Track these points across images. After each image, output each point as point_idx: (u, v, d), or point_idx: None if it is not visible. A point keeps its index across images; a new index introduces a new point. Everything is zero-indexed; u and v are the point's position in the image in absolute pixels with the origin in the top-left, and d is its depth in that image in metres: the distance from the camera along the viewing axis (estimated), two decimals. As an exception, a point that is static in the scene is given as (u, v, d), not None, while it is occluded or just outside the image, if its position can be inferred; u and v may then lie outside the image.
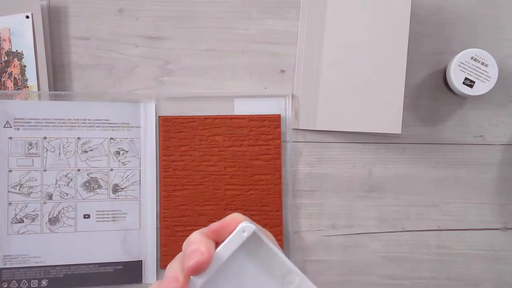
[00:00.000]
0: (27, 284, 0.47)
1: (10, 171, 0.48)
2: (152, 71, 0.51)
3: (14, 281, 0.47)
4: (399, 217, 0.52)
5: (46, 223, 0.48)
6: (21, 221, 0.48)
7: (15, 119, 0.48)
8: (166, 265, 0.47)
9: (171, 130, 0.50)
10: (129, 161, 0.49)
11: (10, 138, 0.48)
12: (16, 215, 0.48)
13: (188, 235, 0.48)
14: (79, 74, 0.51)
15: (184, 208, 0.50)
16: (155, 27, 0.51)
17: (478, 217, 0.52)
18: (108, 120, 0.49)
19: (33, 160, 0.48)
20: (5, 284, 0.47)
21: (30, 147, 0.48)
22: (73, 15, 0.51)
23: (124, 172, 0.49)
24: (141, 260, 0.49)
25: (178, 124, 0.50)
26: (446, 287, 0.51)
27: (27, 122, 0.48)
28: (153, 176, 0.50)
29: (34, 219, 0.48)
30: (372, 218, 0.51)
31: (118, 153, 0.49)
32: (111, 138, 0.49)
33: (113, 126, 0.49)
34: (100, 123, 0.49)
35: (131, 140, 0.49)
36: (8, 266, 0.47)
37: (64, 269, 0.48)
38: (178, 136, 0.50)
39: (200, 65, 0.51)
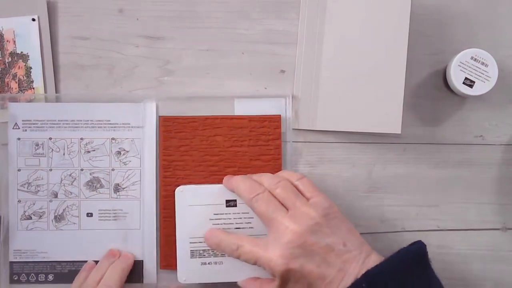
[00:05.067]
0: (35, 278, 0.55)
1: (19, 170, 0.55)
2: (152, 71, 0.57)
3: (23, 274, 0.55)
4: (399, 217, 0.57)
5: (52, 221, 0.55)
6: (30, 217, 0.55)
7: (23, 120, 0.55)
8: (166, 265, 0.54)
9: (172, 130, 0.55)
10: (130, 161, 0.56)
11: (19, 139, 0.55)
12: (25, 212, 0.55)
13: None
14: (79, 74, 0.56)
15: (184, 209, 0.55)
16: (155, 27, 0.57)
17: (478, 217, 0.58)
18: (109, 120, 0.55)
19: (39, 160, 0.55)
20: (15, 277, 0.55)
21: (37, 147, 0.55)
22: (73, 15, 0.56)
23: (125, 172, 0.56)
24: (141, 260, 0.55)
25: (178, 124, 0.56)
26: (446, 287, 0.57)
27: (33, 124, 0.55)
28: (153, 176, 0.55)
29: (41, 216, 0.55)
30: (372, 218, 0.57)
31: (119, 153, 0.56)
32: (112, 138, 0.56)
33: (114, 127, 0.56)
34: (102, 123, 0.56)
35: (131, 140, 0.56)
36: (18, 260, 0.55)
37: (69, 265, 0.55)
38: (178, 136, 0.55)
39: (200, 65, 0.57)
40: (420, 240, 0.48)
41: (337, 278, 0.44)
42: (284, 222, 0.46)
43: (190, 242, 0.52)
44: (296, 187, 0.50)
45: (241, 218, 0.52)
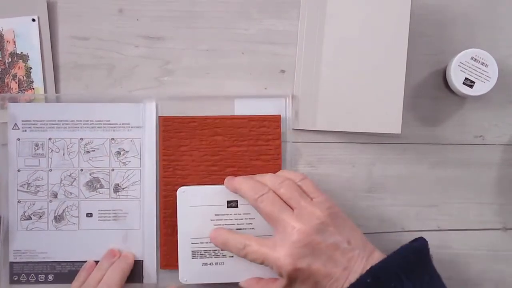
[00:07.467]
0: (35, 278, 0.55)
1: (19, 170, 0.55)
2: (152, 71, 0.57)
3: (23, 274, 0.55)
4: (399, 217, 0.58)
5: (52, 221, 0.55)
6: (29, 218, 0.55)
7: (22, 121, 0.55)
8: (166, 265, 0.54)
9: (171, 130, 0.56)
10: (130, 161, 0.56)
11: (18, 139, 0.55)
12: (24, 212, 0.55)
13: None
14: (79, 74, 0.57)
15: (184, 209, 0.55)
16: (155, 27, 0.57)
17: (478, 217, 0.58)
18: (109, 120, 0.56)
19: (39, 160, 0.55)
20: (15, 277, 0.55)
21: (36, 148, 0.55)
22: (73, 15, 0.57)
23: (125, 172, 0.56)
24: (141, 260, 0.56)
25: (178, 124, 0.56)
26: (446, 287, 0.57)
27: (33, 124, 0.55)
28: (153, 176, 0.56)
29: (41, 216, 0.55)
30: (372, 218, 0.57)
31: (119, 153, 0.56)
32: (112, 139, 0.56)
33: (114, 127, 0.56)
34: (101, 123, 0.56)
35: (131, 141, 0.56)
36: (18, 260, 0.55)
37: (69, 265, 0.55)
38: (178, 136, 0.56)
39: (200, 65, 0.57)
40: (422, 237, 0.49)
41: (342, 276, 0.45)
42: (290, 222, 0.47)
43: (192, 243, 0.53)
44: (299, 187, 0.50)
45: (242, 219, 0.52)
